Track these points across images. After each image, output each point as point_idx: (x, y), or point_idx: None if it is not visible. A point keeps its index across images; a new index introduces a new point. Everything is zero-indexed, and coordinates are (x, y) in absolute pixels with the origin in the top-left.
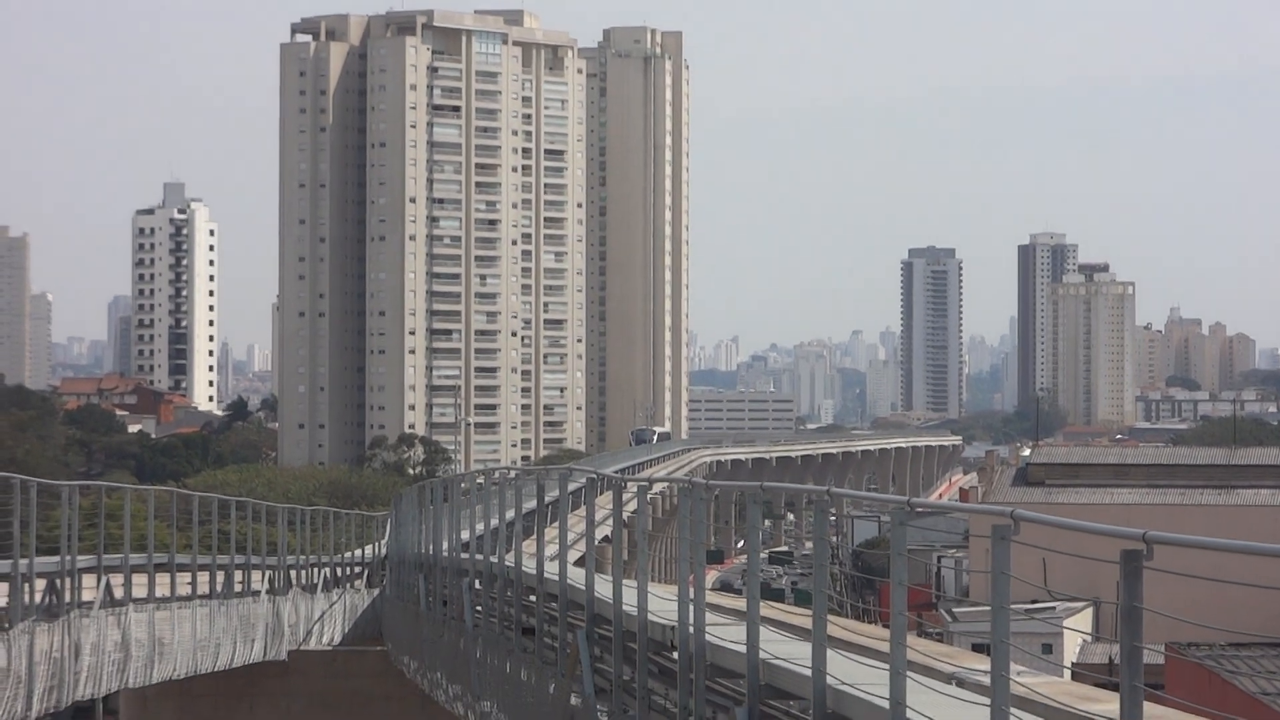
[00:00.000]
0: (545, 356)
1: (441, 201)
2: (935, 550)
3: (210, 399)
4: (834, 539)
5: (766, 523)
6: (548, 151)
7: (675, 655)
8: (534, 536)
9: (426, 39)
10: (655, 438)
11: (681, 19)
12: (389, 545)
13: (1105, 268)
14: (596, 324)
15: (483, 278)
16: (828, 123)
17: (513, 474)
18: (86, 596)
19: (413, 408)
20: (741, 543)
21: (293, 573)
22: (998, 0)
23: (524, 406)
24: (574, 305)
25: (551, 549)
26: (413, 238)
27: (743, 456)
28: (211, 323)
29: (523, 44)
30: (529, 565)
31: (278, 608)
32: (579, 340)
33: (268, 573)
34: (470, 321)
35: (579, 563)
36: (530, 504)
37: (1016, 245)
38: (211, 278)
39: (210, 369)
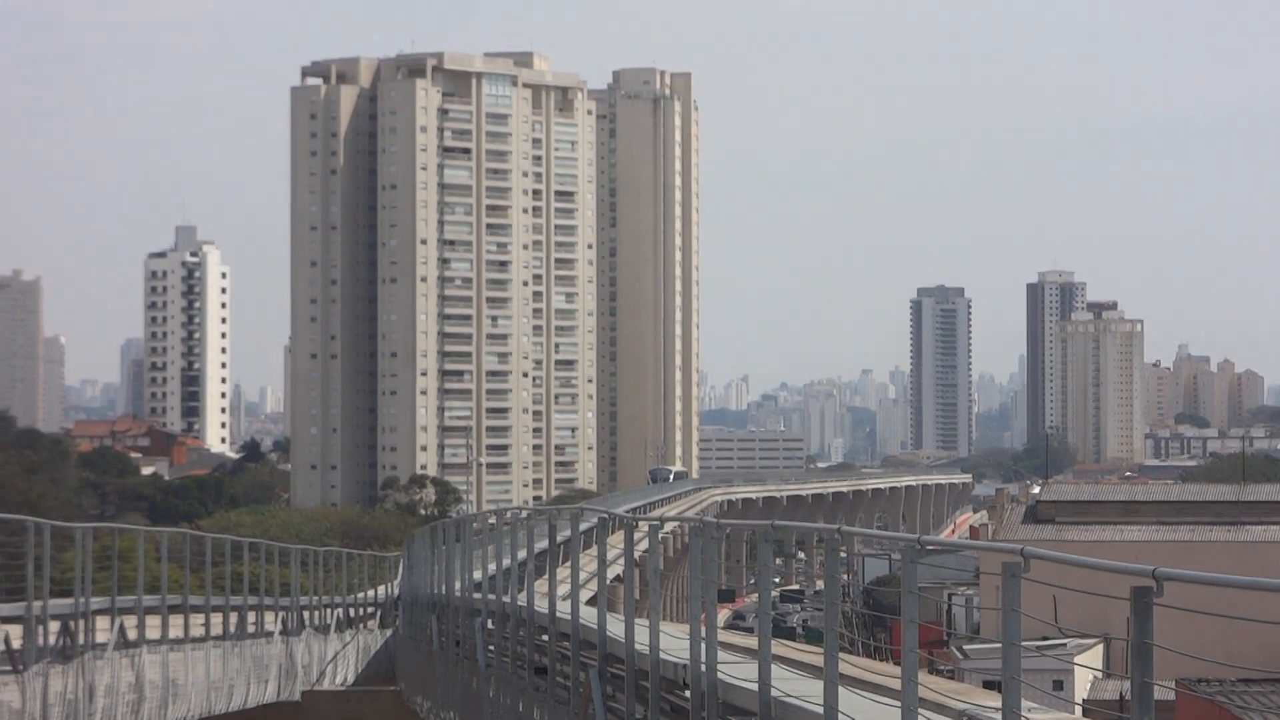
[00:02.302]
0: (556, 397)
1: (452, 243)
2: (946, 588)
3: (223, 441)
4: (845, 577)
5: (778, 561)
6: (558, 193)
7: (688, 694)
8: (546, 576)
9: (437, 81)
10: (672, 476)
11: (690, 60)
12: (402, 585)
13: (1114, 306)
14: (607, 364)
15: (494, 319)
16: (836, 162)
17: (524, 514)
18: (100, 638)
19: (424, 448)
20: (753, 581)
21: (306, 613)
22: (1005, 39)
23: (535, 447)
24: (585, 346)
25: (564, 588)
26: (424, 279)
27: (753, 495)
28: (224, 365)
29: (532, 86)
30: (541, 605)
31: (291, 648)
32: (590, 380)
33: (281, 613)
34: (481, 362)
35: (591, 602)
36: (542, 544)
37: (1025, 284)
38: (223, 320)
39: (222, 411)
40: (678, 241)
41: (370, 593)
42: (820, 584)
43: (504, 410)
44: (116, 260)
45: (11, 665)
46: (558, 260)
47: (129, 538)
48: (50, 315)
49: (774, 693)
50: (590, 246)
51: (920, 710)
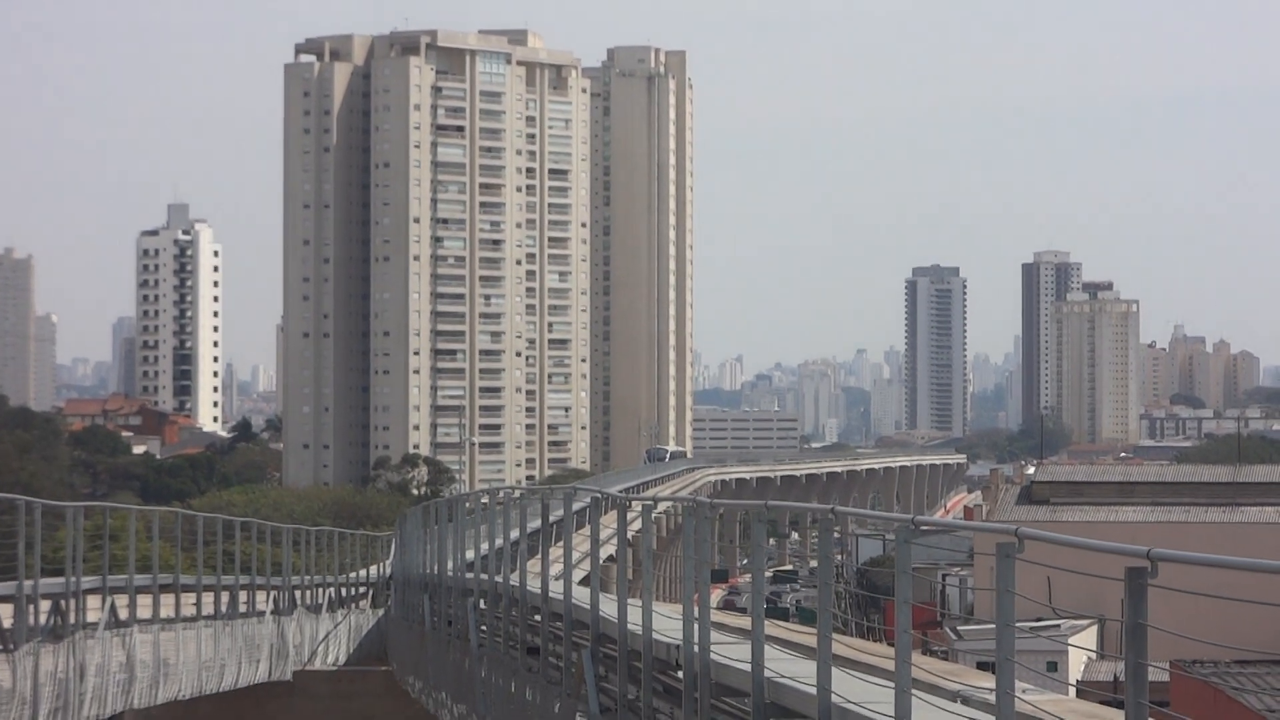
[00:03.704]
0: (550, 376)
1: (445, 221)
2: (940, 568)
3: (215, 420)
4: (838, 557)
5: (771, 541)
6: (552, 171)
7: (680, 674)
8: (539, 556)
9: (430, 59)
10: (668, 456)
11: (685, 38)
12: (394, 565)
13: (1109, 286)
14: (601, 344)
15: (487, 298)
16: (831, 141)
17: (517, 494)
18: (91, 617)
19: (417, 428)
20: (746, 561)
21: (298, 593)
22: (1001, 18)
23: (528, 426)
24: (578, 325)
25: (556, 568)
26: (417, 258)
27: (747, 475)
28: (216, 343)
29: (526, 64)
30: (534, 585)
31: (283, 628)
32: (583, 360)
33: (273, 593)
34: (474, 341)
35: (584, 582)
36: (535, 523)
37: (1020, 264)
38: (216, 298)
39: (215, 390)
40: (672, 220)
41: (362, 572)
42: (813, 564)
43: (497, 390)
44: (108, 238)
45: (2, 644)
46: (551, 239)
47: (120, 517)
48: (42, 293)
49: (767, 673)
50: (584, 225)
51: (914, 691)
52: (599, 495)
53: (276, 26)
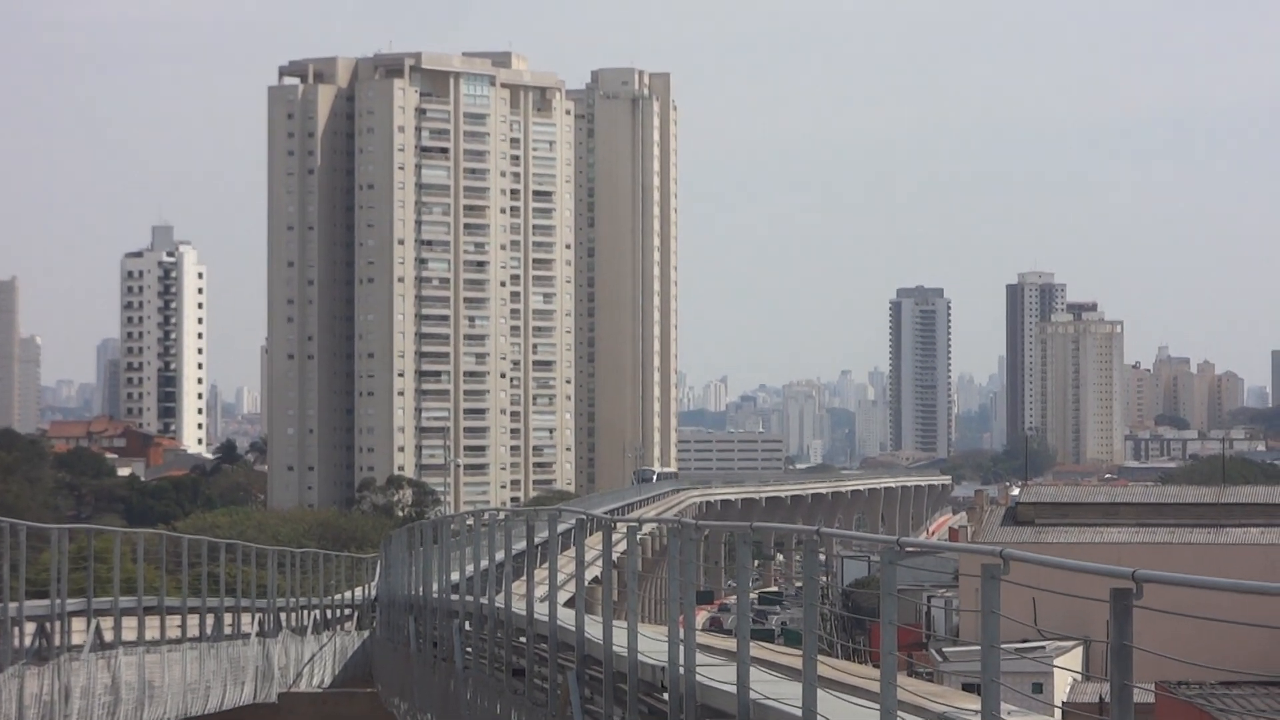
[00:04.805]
0: (534, 398)
1: (430, 243)
2: (925, 590)
3: (199, 442)
4: (824, 579)
5: (756, 563)
6: (536, 193)
7: (666, 696)
8: (524, 578)
9: (415, 81)
10: (655, 477)
11: (669, 60)
12: (379, 587)
13: (1093, 307)
14: (585, 365)
15: (471, 319)
16: (815, 163)
17: (502, 515)
18: (76, 640)
19: (402, 449)
20: (731, 583)
21: (283, 615)
22: (984, 40)
23: (513, 448)
24: (563, 346)
25: (541, 590)
26: (401, 279)
27: (732, 497)
28: (200, 365)
29: (511, 86)
30: (519, 606)
31: (268, 650)
32: (568, 381)
33: (258, 615)
34: (459, 363)
35: (569, 604)
36: (520, 545)
37: (1005, 285)
38: (200, 320)
39: (199, 411)
40: (656, 242)
41: (347, 594)
42: (799, 585)
43: (481, 411)
44: (93, 260)
45: None
46: (536, 260)
47: (105, 539)
48: (26, 315)
49: (753, 695)
50: (568, 247)
51: (899, 713)
52: (584, 517)
53: (260, 49)
